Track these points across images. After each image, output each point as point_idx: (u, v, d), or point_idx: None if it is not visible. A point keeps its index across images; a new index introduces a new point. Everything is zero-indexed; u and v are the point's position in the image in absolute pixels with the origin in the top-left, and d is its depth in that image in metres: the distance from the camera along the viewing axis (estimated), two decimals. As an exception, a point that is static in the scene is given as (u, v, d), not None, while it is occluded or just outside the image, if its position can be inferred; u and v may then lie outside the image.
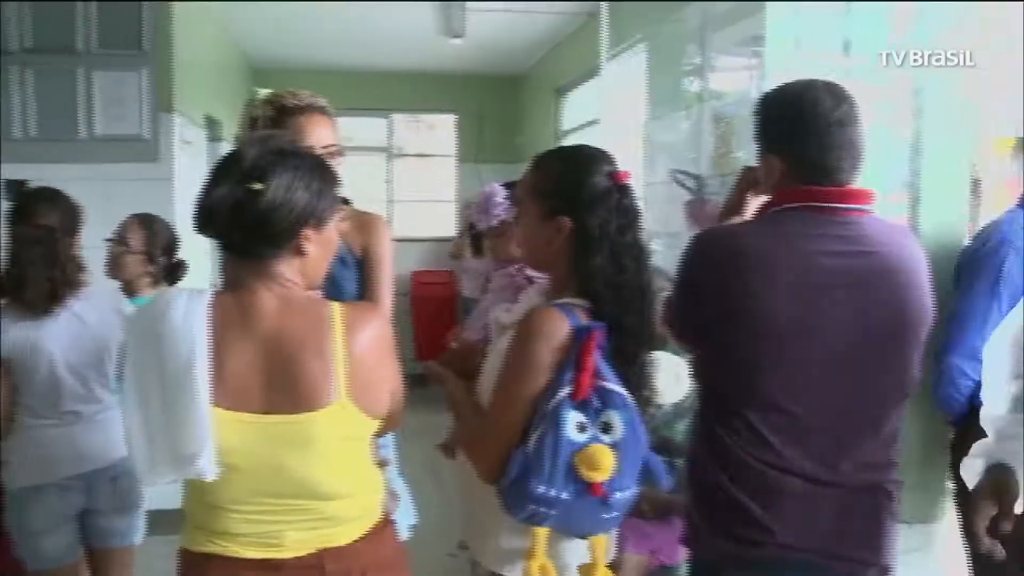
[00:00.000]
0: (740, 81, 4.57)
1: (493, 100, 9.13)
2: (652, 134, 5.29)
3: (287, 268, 1.62)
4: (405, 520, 2.36)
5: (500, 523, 1.78)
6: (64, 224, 2.81)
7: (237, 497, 1.59)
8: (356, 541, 1.68)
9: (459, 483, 1.96)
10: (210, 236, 1.61)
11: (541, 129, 8.25)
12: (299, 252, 1.62)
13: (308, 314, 1.61)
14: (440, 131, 9.45)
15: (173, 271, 3.26)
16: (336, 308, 1.62)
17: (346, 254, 2.29)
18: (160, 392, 1.53)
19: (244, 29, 7.09)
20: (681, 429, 2.73)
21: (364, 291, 2.34)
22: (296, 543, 1.62)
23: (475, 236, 7.84)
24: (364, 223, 2.40)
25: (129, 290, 3.13)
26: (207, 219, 1.58)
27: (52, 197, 2.87)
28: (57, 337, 2.68)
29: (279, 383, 1.56)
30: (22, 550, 2.72)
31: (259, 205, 1.54)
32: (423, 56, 8.14)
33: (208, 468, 1.51)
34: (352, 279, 2.33)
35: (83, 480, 2.73)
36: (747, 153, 4.15)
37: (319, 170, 1.66)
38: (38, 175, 4.51)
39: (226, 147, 6.46)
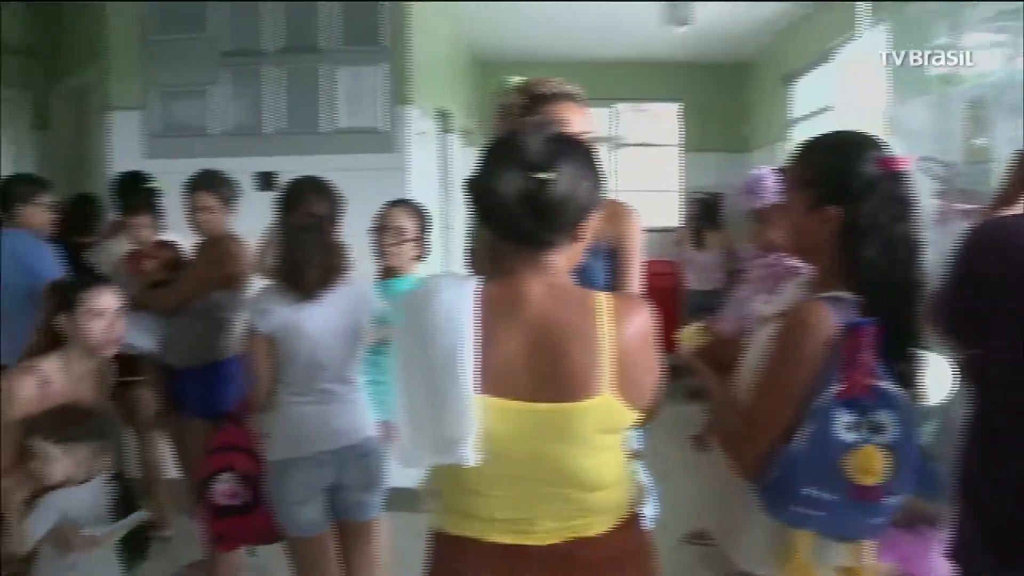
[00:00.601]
0: (990, 61, 4.23)
1: (718, 88, 8.94)
2: (895, 120, 5.00)
3: (559, 257, 1.61)
4: (649, 512, 2.33)
5: (756, 521, 1.72)
6: (331, 212, 2.93)
7: (495, 483, 1.60)
8: (606, 532, 1.66)
9: (711, 477, 1.91)
10: (494, 224, 1.61)
11: (768, 117, 7.99)
12: (575, 241, 1.61)
13: (576, 303, 1.59)
14: (664, 120, 9.35)
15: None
16: (603, 298, 1.60)
17: (596, 244, 2.26)
18: (426, 376, 1.55)
19: (472, 23, 7.25)
20: (929, 431, 2.56)
21: (613, 281, 2.31)
22: (549, 531, 1.62)
23: (698, 229, 7.72)
24: (615, 213, 2.36)
25: (389, 273, 3.26)
26: (492, 208, 1.58)
27: (320, 187, 3.00)
28: (318, 320, 2.81)
29: (545, 372, 1.55)
30: (280, 517, 2.88)
31: (550, 195, 1.53)
32: (647, 45, 8.07)
33: (470, 454, 1.53)
34: (601, 269, 2.30)
35: (334, 456, 2.86)
36: (989, 138, 3.87)
37: (593, 159, 1.64)
38: (284, 167, 4.81)
39: (456, 139, 6.65)
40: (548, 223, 1.55)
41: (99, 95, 5.35)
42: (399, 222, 3.33)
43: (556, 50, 8.11)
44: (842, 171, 1.72)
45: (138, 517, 2.80)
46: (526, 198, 1.53)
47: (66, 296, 2.79)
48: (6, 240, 3.98)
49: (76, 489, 2.68)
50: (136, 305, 3.74)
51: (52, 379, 2.74)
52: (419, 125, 5.27)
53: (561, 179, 1.54)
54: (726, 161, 8.78)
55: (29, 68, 6.07)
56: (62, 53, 5.89)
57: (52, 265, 3.91)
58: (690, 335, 2.10)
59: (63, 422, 2.65)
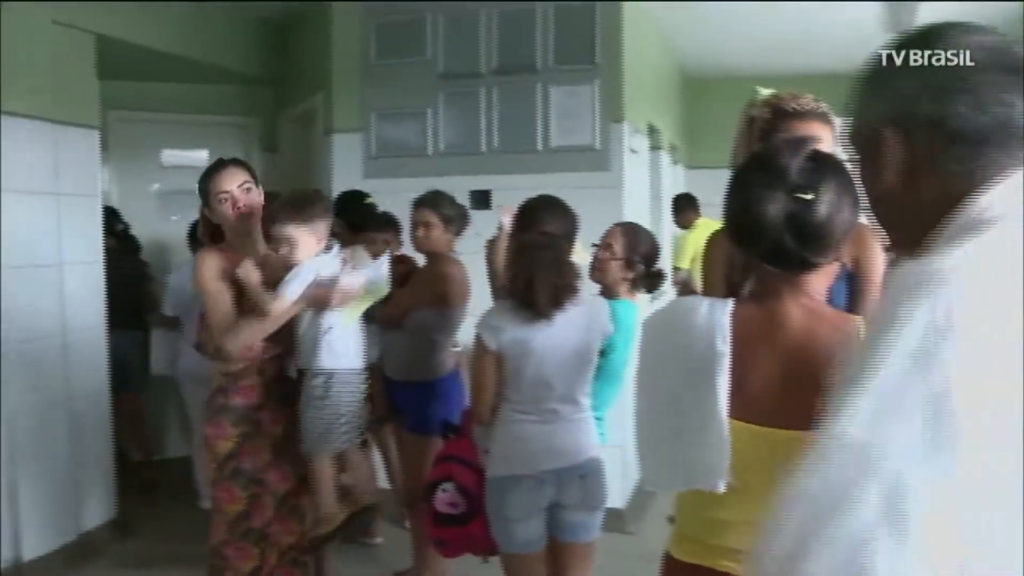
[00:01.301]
0: None
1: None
2: None
3: (817, 278, 1.56)
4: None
5: None
6: (565, 231, 2.93)
7: (738, 512, 1.53)
8: None
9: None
10: (754, 247, 1.56)
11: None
12: (834, 262, 1.56)
13: (836, 328, 1.53)
14: (876, 135, 8.90)
15: (653, 279, 3.32)
16: (863, 323, 1.53)
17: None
18: (677, 399, 1.52)
19: (680, 36, 7.15)
20: None
21: (853, 305, 2.20)
22: None
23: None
24: (856, 235, 2.26)
25: (606, 294, 3.24)
26: (752, 230, 1.53)
27: (554, 205, 3.00)
28: (548, 340, 2.79)
29: (801, 398, 1.46)
30: (496, 533, 2.90)
31: (814, 216, 1.49)
32: (861, 56, 7.70)
33: (723, 481, 1.48)
34: (841, 292, 2.20)
35: (555, 475, 2.83)
36: None
37: (850, 178, 1.57)
38: (499, 185, 4.87)
39: (665, 155, 6.54)
40: (811, 245, 1.51)
41: (323, 119, 5.61)
42: (609, 239, 3.27)
43: (764, 63, 7.84)
44: None
45: (377, 273, 3.07)
46: (789, 220, 1.48)
47: (200, 190, 3.02)
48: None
49: (322, 258, 2.90)
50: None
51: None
52: (631, 142, 5.22)
53: (824, 199, 1.49)
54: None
55: (260, 97, 6.49)
56: (289, 82, 6.23)
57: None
58: None
59: (295, 206, 2.89)
